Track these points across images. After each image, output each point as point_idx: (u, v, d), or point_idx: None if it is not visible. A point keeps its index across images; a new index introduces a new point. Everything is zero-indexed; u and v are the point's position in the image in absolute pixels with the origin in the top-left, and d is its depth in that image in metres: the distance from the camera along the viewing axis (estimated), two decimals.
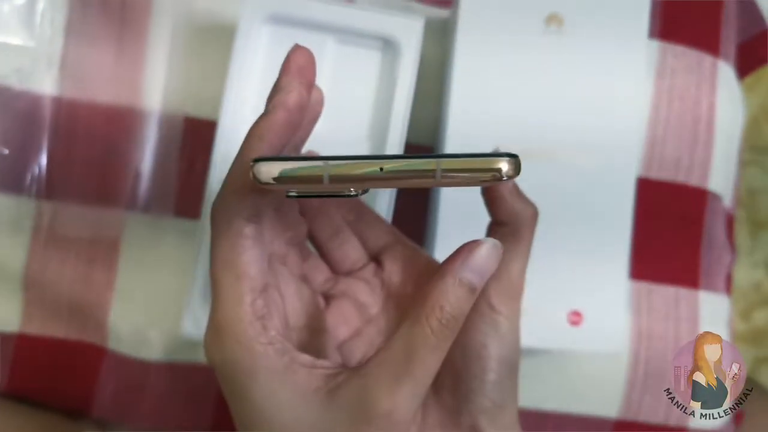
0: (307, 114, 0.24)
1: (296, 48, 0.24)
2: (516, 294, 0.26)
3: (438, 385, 0.25)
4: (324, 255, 0.29)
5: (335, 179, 0.20)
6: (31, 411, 0.40)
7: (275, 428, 0.22)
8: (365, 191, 0.22)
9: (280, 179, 0.20)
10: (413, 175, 0.20)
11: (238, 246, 0.22)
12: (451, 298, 0.21)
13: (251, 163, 0.20)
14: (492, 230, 0.26)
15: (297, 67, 0.23)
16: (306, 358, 0.23)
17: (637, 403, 0.41)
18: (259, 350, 0.22)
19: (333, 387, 0.22)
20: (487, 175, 0.20)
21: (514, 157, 0.20)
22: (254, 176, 0.20)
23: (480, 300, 0.25)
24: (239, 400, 0.23)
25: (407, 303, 0.28)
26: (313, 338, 0.26)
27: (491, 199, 0.26)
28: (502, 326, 0.25)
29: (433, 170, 0.20)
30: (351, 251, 0.29)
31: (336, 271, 0.29)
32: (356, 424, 0.22)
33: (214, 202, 0.23)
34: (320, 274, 0.29)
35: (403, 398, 0.21)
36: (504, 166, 0.20)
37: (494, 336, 0.25)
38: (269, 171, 0.20)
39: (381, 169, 0.20)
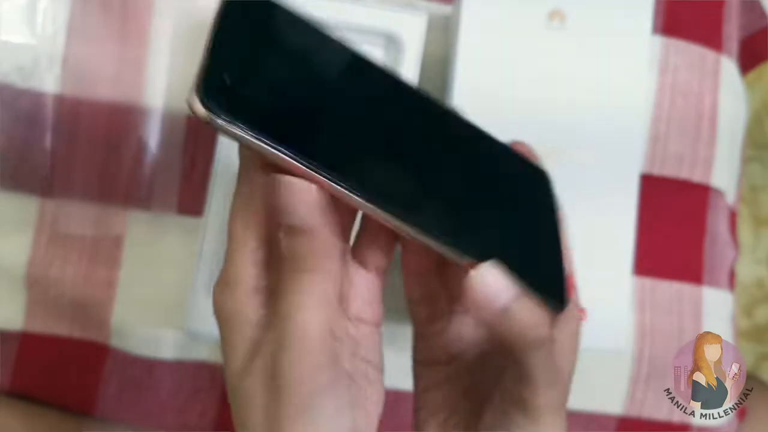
0: None
1: None
2: None
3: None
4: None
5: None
6: (34, 409, 0.40)
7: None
8: None
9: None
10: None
11: (257, 193, 0.23)
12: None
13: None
14: None
15: None
16: None
17: (641, 400, 0.41)
18: (244, 296, 0.23)
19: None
20: None
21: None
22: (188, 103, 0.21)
23: None
24: (222, 352, 0.23)
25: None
26: None
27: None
28: None
29: None
30: None
31: None
32: None
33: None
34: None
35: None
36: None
37: None
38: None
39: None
